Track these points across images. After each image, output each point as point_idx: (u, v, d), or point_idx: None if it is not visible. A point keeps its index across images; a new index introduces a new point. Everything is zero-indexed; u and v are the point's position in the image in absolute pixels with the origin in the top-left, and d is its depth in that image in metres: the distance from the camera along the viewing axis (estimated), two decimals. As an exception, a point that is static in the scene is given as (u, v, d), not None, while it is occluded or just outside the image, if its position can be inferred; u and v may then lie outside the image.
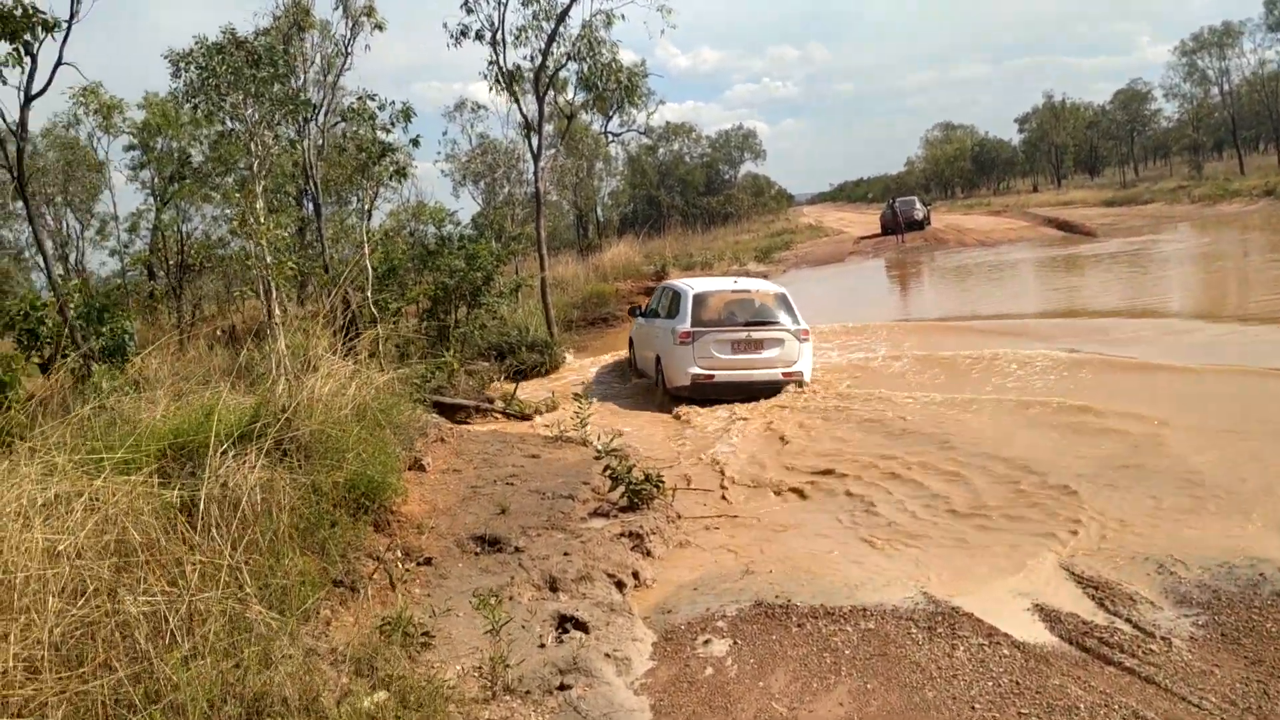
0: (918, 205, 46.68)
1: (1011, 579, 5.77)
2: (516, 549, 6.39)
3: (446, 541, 6.42)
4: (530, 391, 13.72)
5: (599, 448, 7.89)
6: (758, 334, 12.27)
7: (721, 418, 11.30)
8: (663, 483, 7.56)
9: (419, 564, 5.99)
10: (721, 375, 12.07)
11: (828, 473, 8.39)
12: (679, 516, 7.41)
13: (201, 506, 4.84)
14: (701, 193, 67.93)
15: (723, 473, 8.75)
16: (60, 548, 3.82)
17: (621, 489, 7.39)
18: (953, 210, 66.53)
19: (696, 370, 12.06)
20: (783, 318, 12.49)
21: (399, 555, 5.91)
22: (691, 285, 13.21)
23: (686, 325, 12.18)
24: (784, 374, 12.15)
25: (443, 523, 6.76)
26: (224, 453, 5.65)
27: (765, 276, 28.60)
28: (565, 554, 6.29)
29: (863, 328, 17.45)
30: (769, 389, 12.03)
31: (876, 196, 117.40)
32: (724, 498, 8.05)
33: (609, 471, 7.56)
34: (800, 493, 7.99)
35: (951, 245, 37.02)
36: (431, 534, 6.48)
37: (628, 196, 61.61)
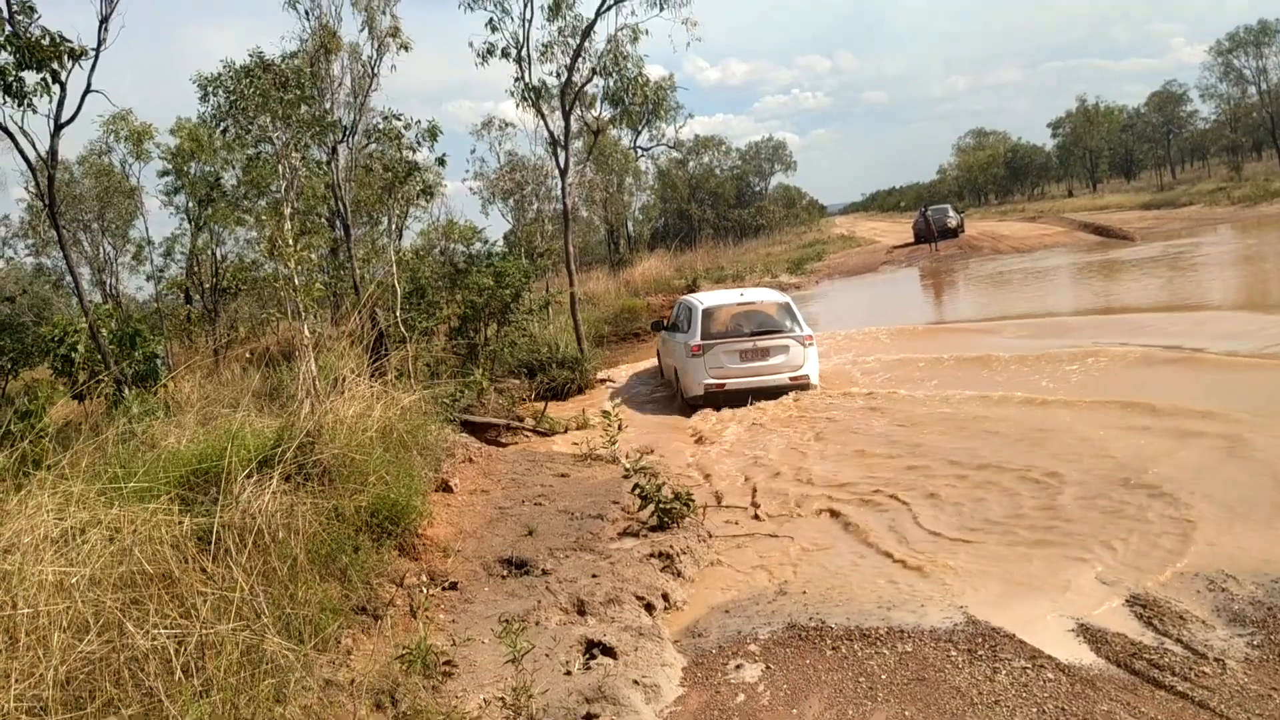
0: (950, 213, 46.20)
1: (1055, 597, 5.56)
2: (544, 571, 6.26)
3: (473, 565, 6.31)
4: (560, 409, 13.64)
5: (628, 466, 7.76)
6: (763, 343, 12.93)
7: (744, 429, 11.15)
8: (693, 501, 7.41)
9: (444, 589, 5.88)
10: (732, 383, 12.76)
11: (860, 487, 8.20)
12: (710, 535, 7.25)
13: (218, 535, 4.76)
14: (732, 205, 67.75)
15: (754, 490, 8.57)
16: (71, 580, 3.74)
17: (651, 508, 7.26)
18: (986, 217, 65.83)
19: (709, 380, 12.77)
20: (786, 326, 13.11)
21: (424, 580, 5.81)
22: (702, 300, 13.98)
23: (697, 339, 12.92)
24: (790, 378, 12.81)
25: (469, 545, 6.65)
26: (246, 478, 5.58)
27: (798, 288, 28.45)
28: (594, 576, 6.16)
29: (897, 330, 17.32)
30: (778, 392, 12.70)
31: (909, 205, 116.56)
32: (756, 516, 7.86)
33: (638, 490, 7.42)
34: (833, 511, 7.78)
35: (986, 252, 36.58)
36: (458, 557, 6.37)
37: (658, 210, 61.63)
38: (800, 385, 12.75)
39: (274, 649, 3.94)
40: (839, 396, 12.33)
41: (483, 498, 8.00)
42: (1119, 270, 24.75)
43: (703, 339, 12.86)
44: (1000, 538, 6.60)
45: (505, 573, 6.28)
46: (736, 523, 7.67)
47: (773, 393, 12.65)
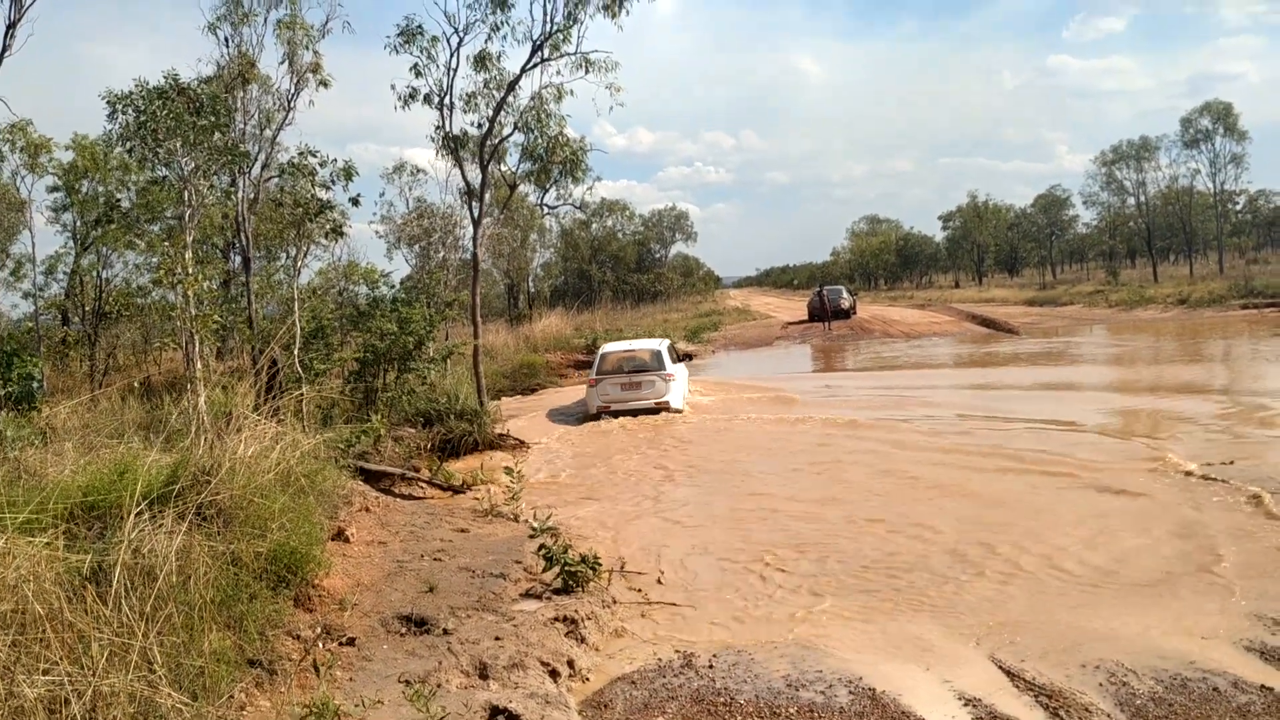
0: (845, 294, 47.42)
1: (952, 673, 5.61)
2: (445, 631, 6.05)
3: (371, 620, 6.06)
4: (457, 463, 13.41)
5: (534, 526, 7.60)
6: (636, 379, 18.08)
7: (649, 486, 11.15)
8: (599, 565, 7.29)
9: (341, 644, 5.61)
10: (615, 406, 17.81)
11: (764, 548, 8.21)
12: (615, 601, 7.13)
13: (111, 574, 4.47)
14: (632, 269, 68.41)
15: (659, 556, 8.50)
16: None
17: (556, 570, 7.11)
18: (877, 301, 67.86)
19: (600, 402, 17.99)
20: (654, 366, 18.19)
21: (320, 634, 5.54)
22: (604, 348, 19.97)
23: (594, 375, 18.54)
24: (656, 403, 17.76)
25: (367, 599, 6.40)
26: (138, 515, 5.27)
27: (695, 356, 28.65)
28: (497, 638, 5.97)
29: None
30: (648, 412, 17.53)
31: (802, 284, 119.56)
32: (660, 580, 7.78)
33: (543, 551, 7.26)
34: (738, 573, 7.77)
35: (877, 335, 37.57)
36: (355, 611, 6.11)
37: (560, 269, 61.78)
38: (663, 408, 17.64)
39: (168, 704, 3.69)
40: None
41: (380, 549, 7.74)
42: (1000, 360, 25.68)
43: (597, 375, 18.38)
44: (891, 595, 6.67)
45: (404, 630, 6.04)
46: (640, 590, 7.56)
47: (644, 412, 17.48)
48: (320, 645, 5.38)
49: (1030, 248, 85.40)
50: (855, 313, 46.60)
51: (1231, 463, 10.84)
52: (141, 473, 6.11)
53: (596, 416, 17.76)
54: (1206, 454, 11.45)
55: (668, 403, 17.68)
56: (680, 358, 20.59)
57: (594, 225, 66.48)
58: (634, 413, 17.40)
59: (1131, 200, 58.67)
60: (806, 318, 45.97)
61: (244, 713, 4.47)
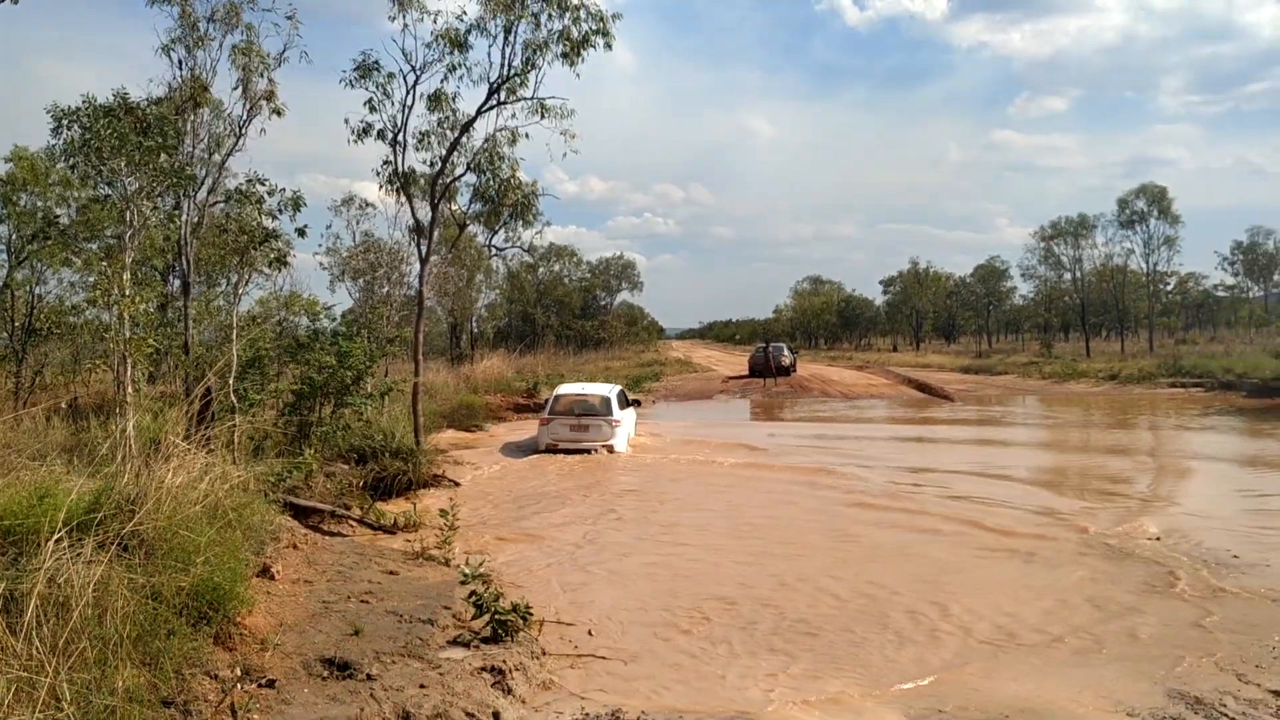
0: (786, 351, 47.91)
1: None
2: (369, 676, 5.89)
3: (293, 662, 5.89)
4: (390, 503, 13.23)
5: (465, 571, 7.47)
6: (584, 420, 19.68)
7: (575, 538, 11.05)
8: (530, 614, 7.17)
9: (261, 686, 5.44)
10: (563, 445, 19.36)
11: (699, 601, 8.16)
12: (544, 653, 7.02)
13: (24, 604, 4.29)
14: (577, 315, 68.64)
15: (591, 606, 8.41)
16: None
17: (486, 618, 6.98)
18: (816, 360, 68.63)
19: (549, 440, 19.55)
20: (602, 411, 19.81)
21: (239, 675, 5.37)
22: (558, 390, 21.48)
23: (546, 414, 20.13)
24: (600, 445, 19.34)
25: (290, 640, 6.22)
26: (56, 542, 5.10)
27: (640, 403, 28.71)
28: (421, 686, 5.84)
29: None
30: (591, 452, 19.05)
31: (744, 338, 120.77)
32: (590, 632, 7.69)
33: (474, 598, 7.14)
34: (670, 627, 7.71)
35: (815, 394, 37.93)
36: (277, 652, 5.93)
37: (504, 311, 61.64)
38: (607, 449, 19.24)
39: (75, 743, 3.53)
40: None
41: (306, 588, 7.54)
42: (929, 423, 26.06)
43: (550, 414, 19.94)
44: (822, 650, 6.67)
45: (327, 674, 5.88)
46: (570, 641, 7.47)
47: (588, 452, 19.04)
48: (239, 687, 5.20)
49: (968, 316, 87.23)
50: (795, 370, 47.03)
51: (1157, 538, 11.07)
52: (62, 498, 5.92)
53: (547, 451, 19.29)
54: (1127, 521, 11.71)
55: (612, 445, 19.39)
56: (629, 403, 22.17)
57: (541, 269, 66.65)
58: (580, 452, 19.00)
59: (1068, 275, 60.26)
60: (747, 373, 46.30)
61: (154, 755, 4.30)
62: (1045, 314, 73.32)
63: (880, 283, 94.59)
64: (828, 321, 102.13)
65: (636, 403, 23.87)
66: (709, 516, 13.00)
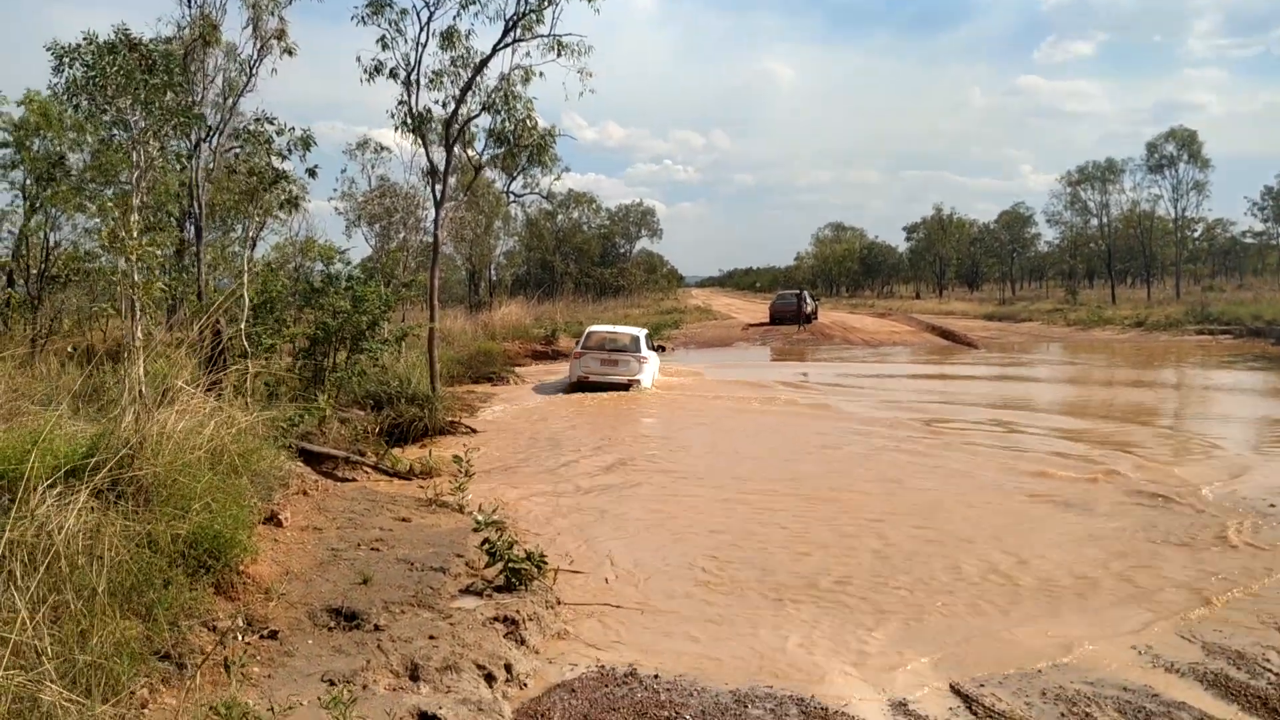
0: (807, 299, 47.37)
1: (909, 694, 5.36)
2: (376, 627, 5.69)
3: (297, 612, 5.69)
4: (406, 450, 13.05)
5: (479, 518, 7.24)
6: (613, 356, 20.65)
7: (601, 469, 10.82)
8: (545, 562, 6.95)
9: (263, 637, 5.24)
10: (593, 377, 20.29)
11: (720, 547, 7.92)
12: (559, 602, 6.80)
13: (3, 554, 4.07)
14: (596, 263, 68.08)
15: (609, 553, 8.19)
16: None
17: (499, 567, 6.77)
18: (837, 308, 67.97)
19: (581, 372, 20.51)
20: (630, 348, 20.92)
21: (240, 625, 5.16)
22: (590, 328, 22.86)
23: (579, 348, 21.24)
24: (627, 380, 20.28)
25: (295, 589, 6.01)
26: (49, 489, 4.88)
27: (665, 348, 28.72)
28: (431, 637, 5.63)
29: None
30: (620, 387, 20.06)
31: (764, 286, 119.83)
32: (608, 580, 7.48)
33: (487, 545, 6.91)
34: (691, 575, 7.48)
35: (837, 341, 37.55)
36: (281, 602, 5.73)
37: (522, 258, 61.22)
38: (634, 385, 20.16)
39: (53, 700, 3.31)
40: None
41: (314, 536, 7.35)
42: (951, 371, 25.67)
43: (582, 349, 21.05)
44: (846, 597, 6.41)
45: (333, 624, 5.68)
46: (587, 588, 7.25)
47: (617, 387, 20.04)
48: (238, 638, 5.00)
49: (992, 263, 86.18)
50: (816, 318, 46.55)
51: (1199, 487, 10.74)
52: (57, 443, 5.70)
53: (577, 385, 20.39)
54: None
55: (638, 380, 20.34)
56: (655, 347, 23.47)
57: (559, 216, 66.10)
58: (608, 387, 20.04)
59: (1094, 221, 59.30)
60: (768, 320, 45.89)
61: (145, 711, 4.09)
62: (1070, 261, 72.31)
63: (903, 229, 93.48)
64: (849, 269, 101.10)
65: (661, 348, 24.89)
66: (734, 461, 12.77)
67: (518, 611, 6.28)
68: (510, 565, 6.74)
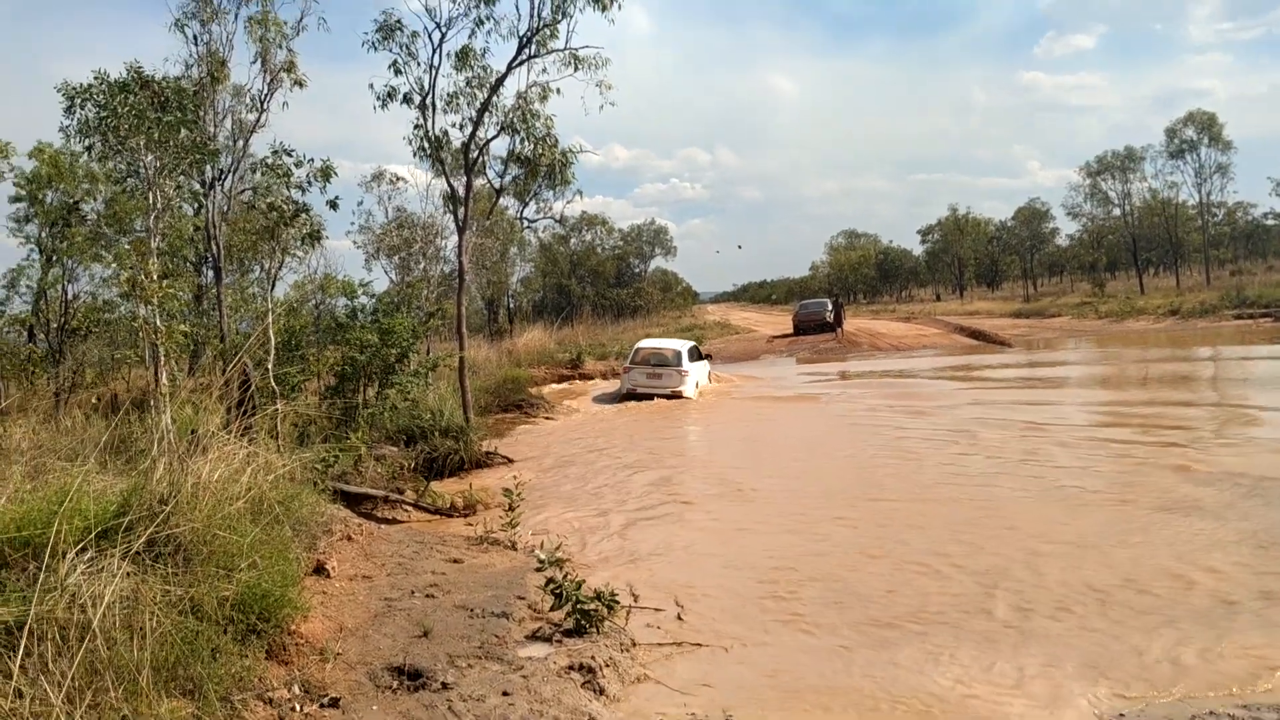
0: (829, 306, 46.69)
1: None
2: (444, 685, 5.17)
3: (357, 674, 5.17)
4: (444, 484, 12.56)
5: (541, 557, 6.71)
6: (658, 370, 22.64)
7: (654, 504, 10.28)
8: (616, 601, 6.40)
9: (323, 706, 4.72)
10: (641, 389, 22.41)
11: (795, 570, 7.37)
12: (634, 644, 6.26)
13: (32, 631, 3.58)
14: (612, 284, 67.77)
15: (676, 585, 7.66)
16: None
17: (567, 608, 6.24)
18: (858, 315, 67.25)
19: (630, 385, 22.75)
20: (673, 362, 22.79)
21: (297, 694, 4.65)
22: (639, 343, 24.98)
23: (627, 363, 23.65)
24: (671, 391, 22.19)
25: (352, 647, 5.50)
26: (79, 554, 4.40)
27: (712, 356, 28.68)
28: (505, 694, 5.10)
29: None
30: (666, 397, 21.96)
31: (780, 298, 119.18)
32: (680, 616, 6.94)
33: (552, 586, 6.38)
34: (772, 603, 6.92)
35: (864, 348, 36.91)
36: (338, 662, 5.22)
37: (539, 284, 60.93)
38: (676, 395, 22.08)
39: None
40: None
41: (365, 585, 6.84)
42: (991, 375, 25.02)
43: (629, 364, 23.29)
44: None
45: (396, 685, 5.16)
46: (659, 627, 6.71)
47: (664, 396, 21.97)
48: (296, 709, 4.48)
49: (1011, 261, 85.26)
50: (842, 325, 45.90)
51: None
52: (86, 501, 5.22)
53: (627, 396, 22.53)
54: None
55: (681, 391, 22.22)
56: (702, 356, 25.47)
57: (573, 240, 65.90)
58: (654, 396, 22.06)
59: (1116, 211, 58.45)
60: (792, 331, 45.29)
61: (202, 808, 3.59)
62: (1094, 253, 71.27)
63: (918, 232, 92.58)
64: (866, 275, 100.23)
65: (709, 356, 26.74)
66: (795, 465, 12.26)
67: (593, 657, 5.75)
68: (579, 607, 6.21)
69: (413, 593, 6.76)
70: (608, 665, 5.74)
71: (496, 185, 17.88)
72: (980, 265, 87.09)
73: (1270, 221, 75.50)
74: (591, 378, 28.96)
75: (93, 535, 4.69)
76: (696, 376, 23.29)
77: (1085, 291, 58.21)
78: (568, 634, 6.13)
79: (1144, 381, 21.02)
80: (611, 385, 26.15)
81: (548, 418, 20.49)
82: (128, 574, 4.45)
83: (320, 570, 6.76)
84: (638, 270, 75.55)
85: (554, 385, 26.79)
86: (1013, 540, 8.51)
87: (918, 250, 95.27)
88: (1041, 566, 7.68)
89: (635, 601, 7.18)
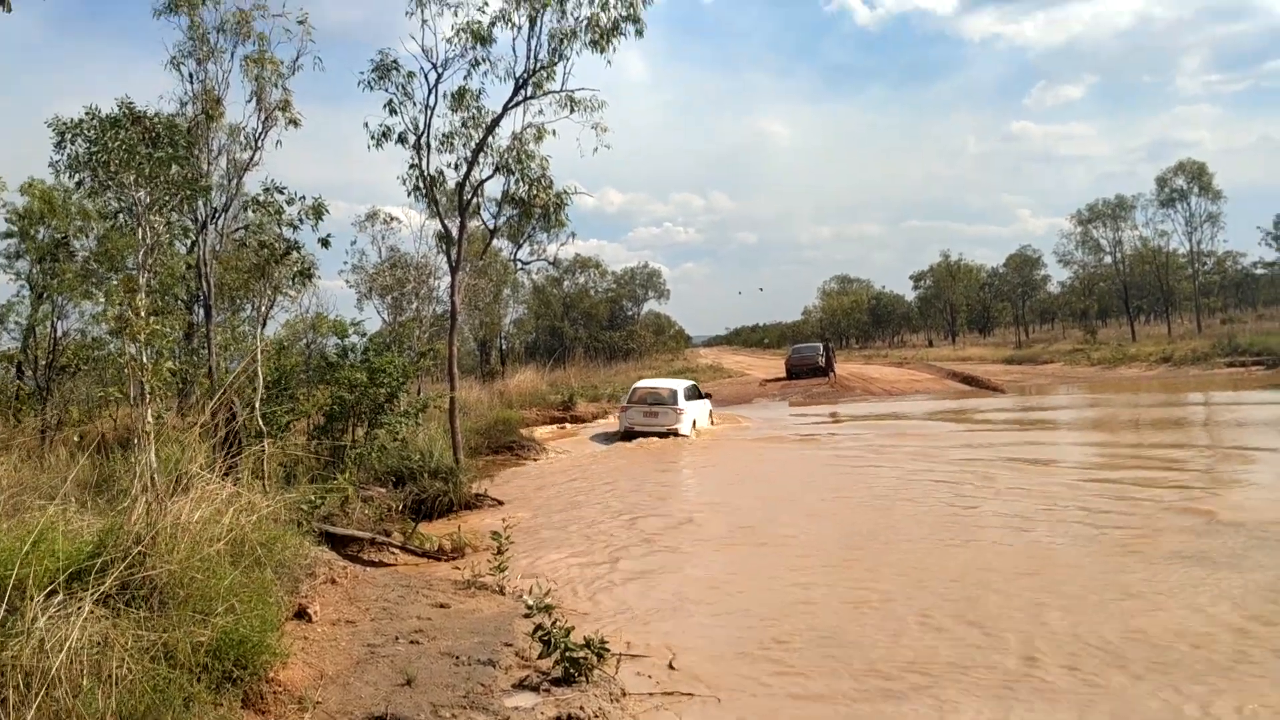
0: (822, 352, 46.71)
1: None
2: (427, 736, 4.99)
3: (337, 723, 4.99)
4: (432, 525, 12.36)
5: (529, 603, 6.53)
6: (654, 409, 23.18)
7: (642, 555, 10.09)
8: (606, 649, 6.22)
9: (299, 758, 4.54)
10: (638, 428, 22.88)
11: (789, 617, 7.19)
12: (624, 693, 6.07)
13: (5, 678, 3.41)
14: (605, 327, 67.84)
15: (666, 630, 7.47)
16: None
17: (555, 656, 6.05)
18: (851, 360, 67.29)
19: (627, 424, 23.18)
20: (668, 401, 23.34)
21: (273, 745, 4.47)
22: (636, 383, 26.09)
23: (624, 403, 24.23)
24: (667, 429, 22.67)
25: (332, 696, 5.31)
26: (48, 596, 4.23)
27: (711, 395, 28.77)
28: (490, 745, 4.92)
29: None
30: (661, 435, 22.46)
31: (773, 342, 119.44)
32: (672, 665, 6.74)
33: (540, 633, 6.20)
34: (765, 649, 6.74)
35: (857, 392, 36.83)
36: (317, 712, 5.03)
37: (532, 325, 60.93)
38: (673, 433, 22.52)
39: None
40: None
41: (348, 630, 6.65)
42: (982, 417, 24.94)
43: (627, 404, 23.94)
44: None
45: (377, 735, 4.98)
46: (649, 675, 6.52)
47: (659, 435, 22.47)
48: (273, 761, 4.30)
49: (1003, 307, 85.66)
50: (834, 370, 45.86)
51: None
52: (62, 541, 5.05)
53: (625, 435, 22.89)
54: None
55: (676, 429, 22.65)
56: (700, 395, 25.81)
57: (566, 282, 66.04)
58: (651, 434, 22.49)
59: (1108, 259, 58.86)
60: (785, 375, 45.22)
61: None
62: (1085, 300, 71.68)
63: (910, 278, 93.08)
64: (859, 320, 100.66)
65: (708, 396, 27.01)
66: (787, 507, 12.08)
67: (581, 708, 5.57)
68: (568, 654, 6.03)
69: (397, 638, 6.57)
70: (596, 716, 5.56)
71: (491, 226, 17.80)
72: (972, 311, 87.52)
73: (1260, 271, 75.94)
74: (584, 420, 28.81)
75: (63, 577, 4.52)
76: (693, 415, 23.78)
77: (1077, 338, 58.43)
78: (556, 683, 5.94)
79: (1156, 425, 20.93)
80: (606, 425, 26.82)
81: (538, 460, 20.32)
82: (99, 618, 4.28)
83: (302, 614, 6.57)
84: (631, 313, 75.64)
85: (546, 427, 26.61)
86: (1025, 587, 8.34)
87: (910, 296, 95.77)
88: (1045, 616, 7.51)
89: (626, 649, 7.00)
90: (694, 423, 23.67)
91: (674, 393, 23.84)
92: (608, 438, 23.50)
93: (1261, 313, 67.10)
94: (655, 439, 22.46)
